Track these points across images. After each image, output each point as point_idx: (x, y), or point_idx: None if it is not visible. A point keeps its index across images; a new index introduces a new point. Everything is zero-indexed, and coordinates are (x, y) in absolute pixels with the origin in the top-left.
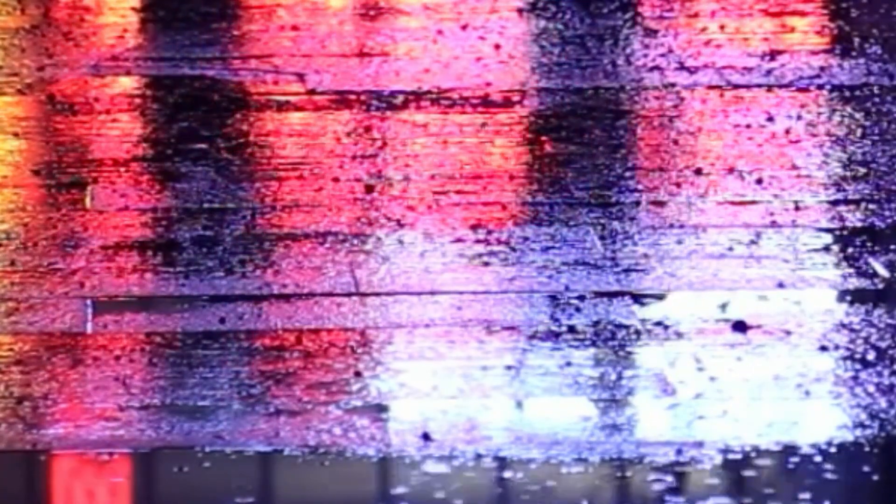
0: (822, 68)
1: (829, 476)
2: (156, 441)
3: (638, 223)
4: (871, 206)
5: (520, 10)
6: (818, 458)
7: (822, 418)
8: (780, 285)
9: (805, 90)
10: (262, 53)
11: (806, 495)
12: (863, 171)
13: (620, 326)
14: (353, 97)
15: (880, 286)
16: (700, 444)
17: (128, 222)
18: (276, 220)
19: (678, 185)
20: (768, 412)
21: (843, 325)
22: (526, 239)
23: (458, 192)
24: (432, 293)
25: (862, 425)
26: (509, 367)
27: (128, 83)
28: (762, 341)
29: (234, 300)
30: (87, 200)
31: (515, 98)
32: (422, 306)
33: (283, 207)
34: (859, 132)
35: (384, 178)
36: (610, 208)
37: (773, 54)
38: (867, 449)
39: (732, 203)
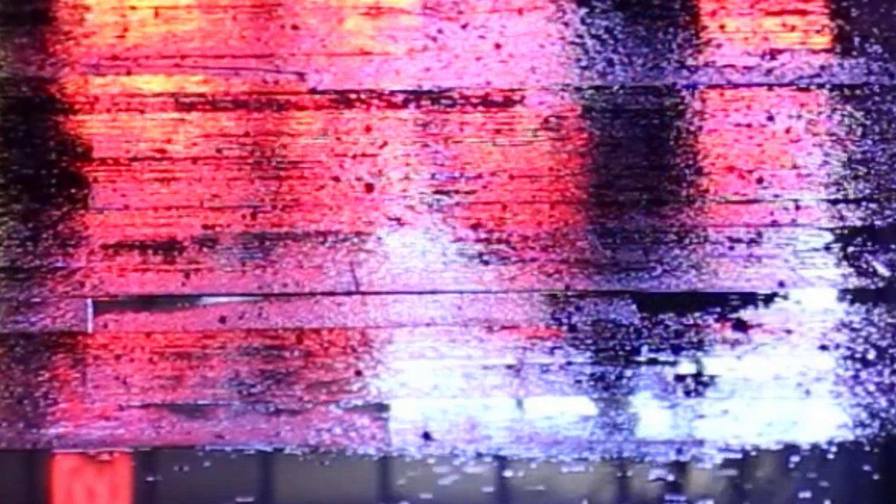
0: (822, 67)
1: (829, 476)
2: (156, 440)
3: (638, 222)
4: (872, 206)
5: (520, 10)
6: (818, 458)
7: (823, 418)
8: (781, 284)
9: (805, 89)
10: (263, 53)
11: (806, 494)
12: (863, 170)
13: (620, 326)
14: (353, 96)
15: (880, 285)
16: (700, 444)
17: (128, 222)
18: (277, 219)
19: (679, 183)
20: (768, 411)
21: (844, 325)
22: (526, 238)
23: (458, 191)
24: (433, 292)
25: (862, 425)
26: (510, 367)
27: (128, 83)
28: (762, 341)
29: (234, 299)
30: (87, 200)
31: (515, 98)
32: (422, 305)
33: (283, 206)
34: (860, 131)
35: (384, 177)
36: (610, 207)
37: (774, 53)
38: (867, 448)
39: (733, 202)
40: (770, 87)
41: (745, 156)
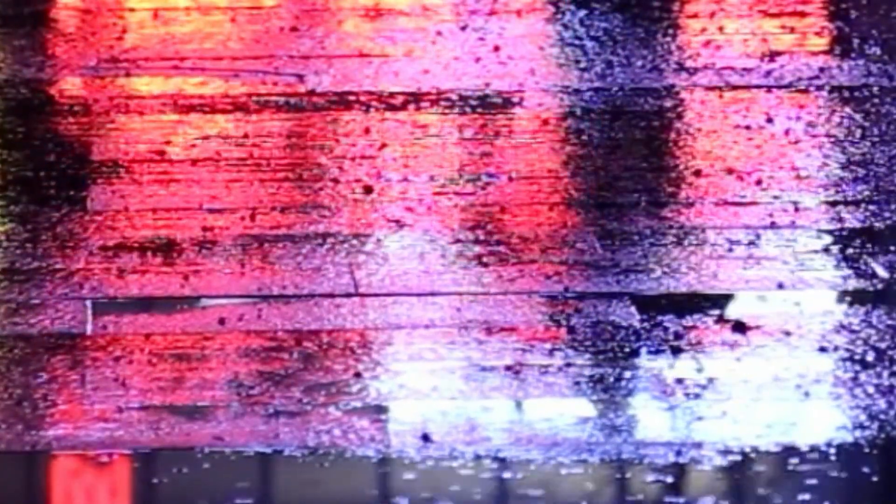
0: (821, 69)
1: (828, 477)
2: (155, 442)
3: (637, 224)
4: (871, 207)
5: (518, 12)
6: (817, 460)
7: (822, 419)
8: (780, 286)
9: (804, 91)
10: (261, 55)
11: (805, 496)
12: (862, 172)
13: (620, 327)
14: (352, 98)
15: (879, 287)
16: (699, 445)
17: (127, 223)
18: (276, 220)
19: (678, 185)
20: (768, 413)
21: (843, 326)
22: (525, 240)
23: (456, 193)
24: (432, 294)
25: (861, 426)
26: (509, 368)
27: (127, 85)
28: (762, 342)
29: (233, 301)
30: (86, 202)
31: (515, 98)
32: (421, 307)
33: (282, 208)
34: (859, 133)
35: (383, 179)
36: (609, 209)
37: (773, 55)
38: (866, 450)
39: (732, 204)
40: (769, 88)
41: (744, 157)
